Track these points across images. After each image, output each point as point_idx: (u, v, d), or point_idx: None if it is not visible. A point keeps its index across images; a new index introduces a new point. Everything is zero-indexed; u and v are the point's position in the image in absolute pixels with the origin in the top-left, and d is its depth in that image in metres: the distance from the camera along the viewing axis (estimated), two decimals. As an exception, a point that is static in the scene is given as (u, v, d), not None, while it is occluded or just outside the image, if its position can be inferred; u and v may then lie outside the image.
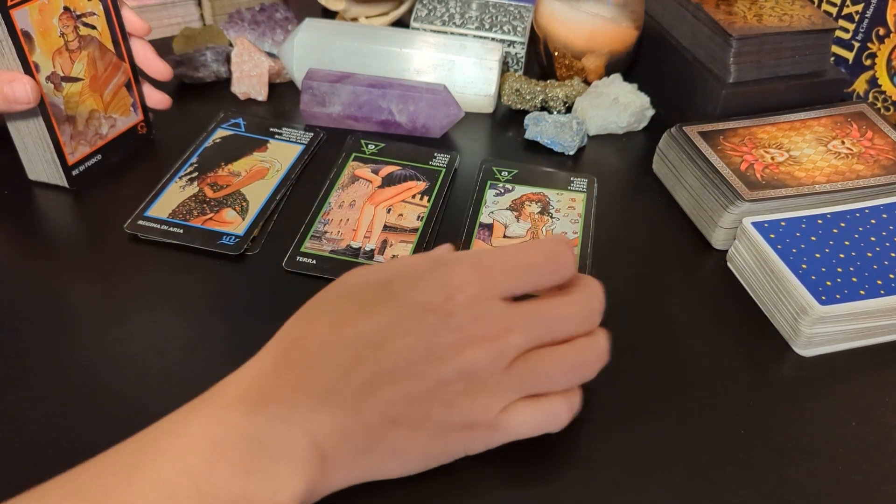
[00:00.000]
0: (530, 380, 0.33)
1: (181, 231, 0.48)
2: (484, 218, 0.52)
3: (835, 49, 0.66)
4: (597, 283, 0.36)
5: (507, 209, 0.53)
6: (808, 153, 0.54)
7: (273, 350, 0.33)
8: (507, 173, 0.56)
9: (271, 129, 0.59)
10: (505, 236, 0.50)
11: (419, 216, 0.51)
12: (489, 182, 0.55)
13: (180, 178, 0.53)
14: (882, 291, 0.43)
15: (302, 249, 0.48)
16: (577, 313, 0.34)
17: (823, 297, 0.43)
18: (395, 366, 0.32)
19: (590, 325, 0.35)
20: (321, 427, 0.31)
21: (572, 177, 0.56)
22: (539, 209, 0.53)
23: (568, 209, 0.53)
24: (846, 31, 0.65)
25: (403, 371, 0.32)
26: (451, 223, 0.52)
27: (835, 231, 0.47)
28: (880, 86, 0.64)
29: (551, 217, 0.52)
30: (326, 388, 0.31)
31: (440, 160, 0.57)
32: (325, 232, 0.49)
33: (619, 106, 0.61)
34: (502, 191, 0.55)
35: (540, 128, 0.59)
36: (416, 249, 0.49)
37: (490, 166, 0.57)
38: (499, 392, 0.33)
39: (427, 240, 0.50)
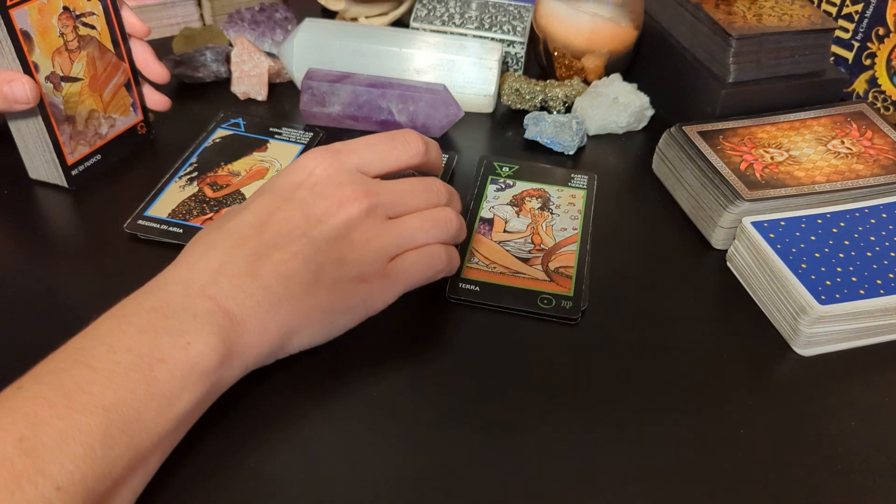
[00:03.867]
0: (404, 231, 0.39)
1: (181, 231, 0.48)
2: (484, 213, 0.52)
3: (834, 49, 0.66)
4: (439, 180, 0.42)
5: (507, 204, 0.53)
6: (808, 153, 0.54)
7: (175, 261, 0.37)
8: (507, 169, 0.56)
9: (271, 129, 0.59)
10: (505, 231, 0.50)
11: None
12: (490, 177, 0.55)
13: (180, 177, 0.53)
14: (882, 291, 0.43)
15: None
16: (424, 184, 0.41)
17: (823, 297, 0.43)
18: (279, 234, 0.36)
19: (436, 199, 0.41)
20: (221, 291, 0.34)
21: (573, 173, 0.56)
22: (539, 205, 0.53)
23: (568, 205, 0.53)
24: (846, 30, 0.65)
25: (288, 236, 0.36)
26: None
27: (834, 231, 0.47)
28: (880, 85, 0.64)
29: (551, 213, 0.52)
30: (219, 264, 0.35)
31: None
32: None
33: (618, 106, 0.61)
34: (503, 186, 0.55)
35: (539, 127, 0.59)
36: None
37: (491, 161, 0.57)
38: (380, 243, 0.38)
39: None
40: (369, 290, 0.38)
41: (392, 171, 0.41)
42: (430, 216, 0.40)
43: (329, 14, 0.73)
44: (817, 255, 0.46)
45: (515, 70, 0.68)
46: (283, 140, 0.58)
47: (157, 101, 0.57)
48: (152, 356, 0.31)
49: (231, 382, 0.35)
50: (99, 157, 0.53)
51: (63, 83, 0.49)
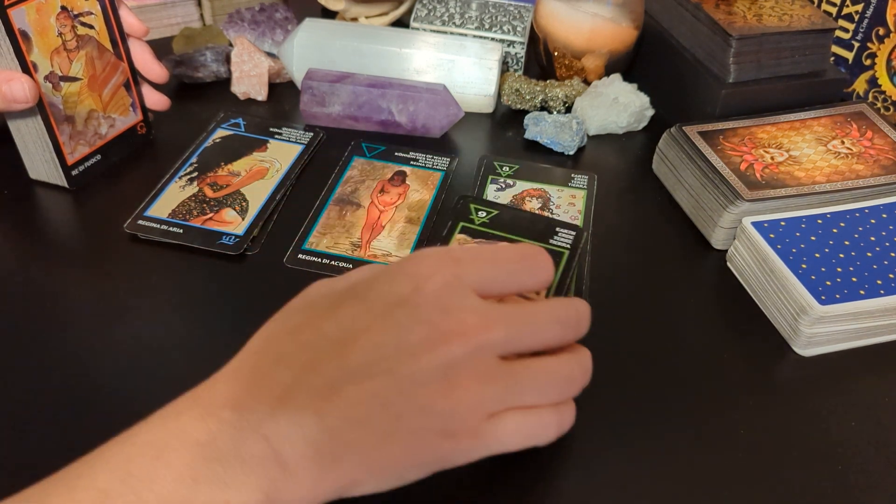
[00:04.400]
0: (514, 386, 0.31)
1: (181, 231, 0.48)
2: None
3: (835, 49, 0.66)
4: (582, 301, 0.34)
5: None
6: (808, 153, 0.54)
7: (233, 363, 0.31)
8: (508, 168, 0.56)
9: (271, 129, 0.59)
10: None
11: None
12: (490, 177, 0.55)
13: (180, 177, 0.53)
14: (882, 291, 0.43)
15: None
16: (560, 316, 0.32)
17: (823, 297, 0.43)
18: (361, 364, 0.29)
19: (574, 331, 0.33)
20: (278, 430, 0.28)
21: (573, 173, 0.56)
22: (539, 205, 0.53)
23: (568, 205, 0.53)
24: (846, 30, 0.65)
25: (370, 369, 0.29)
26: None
27: (834, 231, 0.47)
28: (880, 86, 0.64)
29: (551, 213, 0.52)
30: (283, 390, 0.29)
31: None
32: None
33: (618, 106, 0.61)
34: (503, 186, 0.55)
35: (540, 128, 0.59)
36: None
37: (491, 161, 0.57)
38: (480, 397, 0.30)
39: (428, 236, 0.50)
40: (452, 449, 0.30)
41: (513, 294, 0.34)
42: (556, 372, 0.32)
43: (329, 14, 0.73)
44: (817, 255, 0.45)
45: (515, 70, 0.68)
46: (283, 140, 0.58)
47: (156, 101, 0.57)
48: None
49: None
50: (99, 157, 0.53)
51: (62, 83, 0.49)
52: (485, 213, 0.48)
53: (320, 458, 0.28)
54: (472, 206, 0.49)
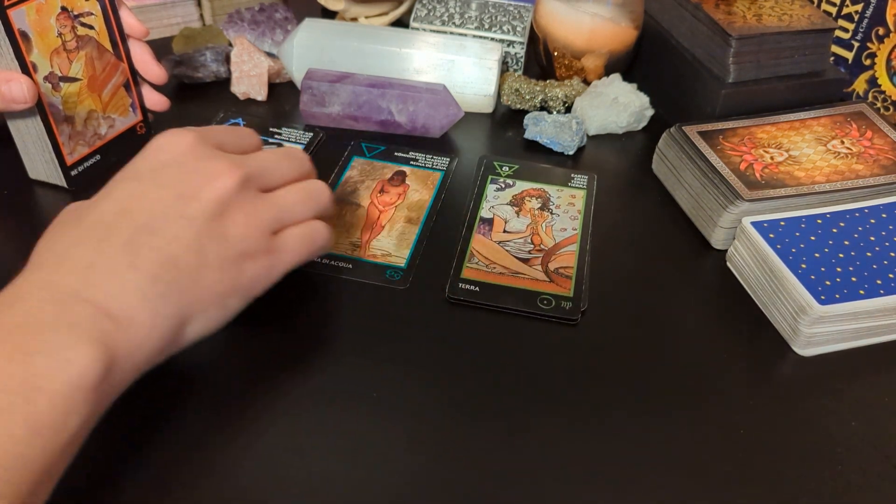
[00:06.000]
0: (280, 205, 0.37)
1: (180, 231, 0.48)
2: (484, 212, 0.52)
3: (834, 49, 0.66)
4: (296, 148, 0.42)
5: (507, 204, 0.53)
6: (808, 153, 0.54)
7: (23, 272, 0.33)
8: (507, 168, 0.56)
9: (271, 129, 0.59)
10: (505, 231, 0.50)
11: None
12: (490, 177, 0.55)
13: (179, 178, 0.53)
14: (881, 291, 0.43)
15: None
16: (286, 153, 0.40)
17: (823, 297, 0.43)
18: (150, 219, 0.33)
19: (299, 163, 0.40)
20: (97, 291, 0.31)
21: (573, 173, 0.56)
22: (539, 205, 0.53)
23: (568, 205, 0.53)
24: (846, 30, 0.65)
25: (163, 218, 0.33)
26: (451, 217, 0.52)
27: (834, 231, 0.47)
28: (880, 85, 0.64)
29: (551, 213, 0.52)
30: (88, 262, 0.32)
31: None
32: None
33: (618, 106, 0.61)
34: (503, 186, 0.55)
35: (539, 127, 0.59)
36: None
37: (491, 161, 0.57)
38: (258, 219, 0.36)
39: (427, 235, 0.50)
40: (256, 268, 0.36)
41: (244, 152, 0.40)
42: (305, 189, 0.39)
43: (329, 14, 0.73)
44: (817, 255, 0.45)
45: (515, 70, 0.68)
46: (284, 140, 0.58)
47: (156, 101, 0.57)
48: (28, 386, 0.27)
49: (123, 388, 0.32)
50: (98, 157, 0.53)
51: (61, 83, 0.49)
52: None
53: (146, 300, 0.31)
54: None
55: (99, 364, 0.29)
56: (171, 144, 0.36)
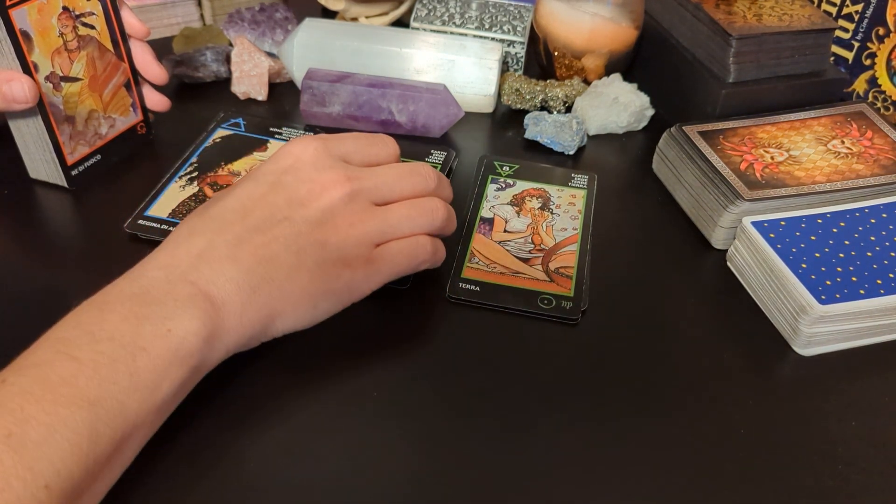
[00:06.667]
0: (388, 220, 0.39)
1: (181, 231, 0.48)
2: (485, 212, 0.52)
3: (834, 49, 0.66)
4: (425, 164, 0.43)
5: (507, 204, 0.53)
6: (808, 153, 0.54)
7: (157, 249, 0.37)
8: (508, 168, 0.56)
9: (271, 129, 0.59)
10: (505, 230, 0.50)
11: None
12: (490, 177, 0.55)
13: (180, 177, 0.53)
14: (882, 291, 0.43)
15: None
16: (411, 170, 0.41)
17: (823, 297, 0.43)
18: (261, 220, 0.36)
19: (424, 181, 0.41)
20: (202, 276, 0.34)
21: (573, 173, 0.56)
22: (539, 205, 0.53)
23: (568, 205, 0.53)
24: (846, 30, 0.65)
25: (270, 220, 0.36)
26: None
27: (834, 230, 0.47)
28: (880, 85, 0.64)
29: (551, 213, 0.52)
30: (200, 250, 0.35)
31: (436, 157, 0.57)
32: None
33: (618, 106, 0.61)
34: (503, 185, 0.55)
35: (540, 127, 0.59)
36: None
37: (491, 161, 0.57)
38: (363, 230, 0.38)
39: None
40: (352, 276, 0.38)
41: (373, 164, 0.42)
42: (417, 205, 0.41)
43: (329, 14, 0.73)
44: (817, 254, 0.46)
45: (515, 70, 0.68)
46: (284, 140, 0.58)
47: (156, 101, 0.57)
48: (135, 345, 0.31)
49: (213, 365, 0.35)
50: (99, 157, 0.53)
51: (63, 83, 0.49)
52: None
53: (241, 291, 0.35)
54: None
55: (196, 337, 0.33)
56: (296, 151, 0.39)
